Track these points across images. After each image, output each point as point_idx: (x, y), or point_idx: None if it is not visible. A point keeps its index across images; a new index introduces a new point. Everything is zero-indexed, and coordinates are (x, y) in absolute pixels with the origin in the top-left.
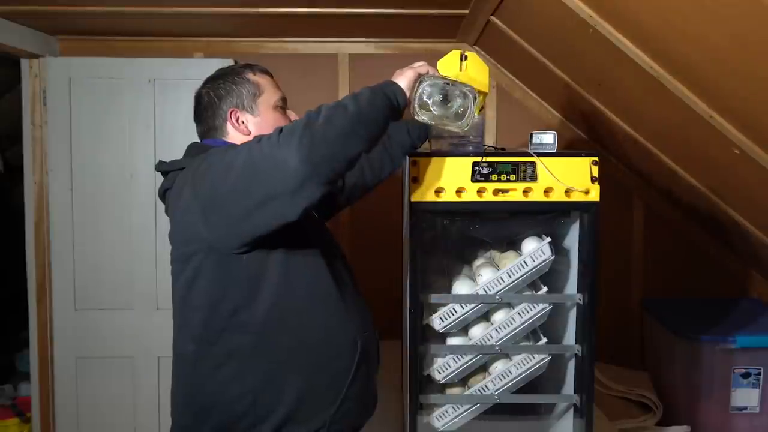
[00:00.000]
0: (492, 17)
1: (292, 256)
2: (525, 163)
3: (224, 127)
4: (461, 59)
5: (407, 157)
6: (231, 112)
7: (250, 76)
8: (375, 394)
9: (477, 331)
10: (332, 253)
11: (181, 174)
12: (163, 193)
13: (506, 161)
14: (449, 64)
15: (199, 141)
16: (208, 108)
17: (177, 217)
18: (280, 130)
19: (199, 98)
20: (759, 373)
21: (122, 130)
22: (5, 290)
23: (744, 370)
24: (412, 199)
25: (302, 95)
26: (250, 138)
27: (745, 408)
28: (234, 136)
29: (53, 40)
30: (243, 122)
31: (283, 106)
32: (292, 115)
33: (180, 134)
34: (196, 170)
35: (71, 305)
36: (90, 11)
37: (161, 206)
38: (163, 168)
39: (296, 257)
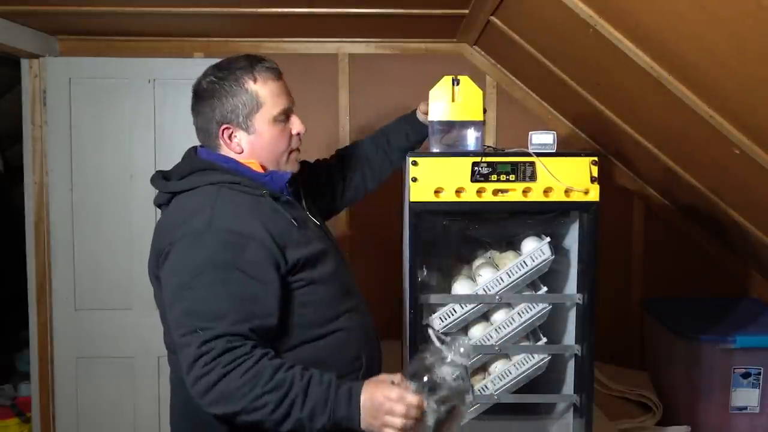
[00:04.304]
0: (492, 17)
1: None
2: (524, 163)
3: (217, 140)
4: (453, 85)
5: (407, 157)
6: (223, 130)
7: (250, 85)
8: None
9: (477, 331)
10: (339, 265)
11: (173, 215)
12: (159, 205)
13: (506, 161)
14: (442, 92)
15: (196, 147)
16: (202, 109)
17: (154, 259)
18: (198, 354)
19: (196, 92)
20: (759, 373)
21: (122, 130)
22: (5, 290)
23: (744, 370)
24: (412, 199)
25: (302, 95)
26: (242, 156)
27: (745, 408)
28: (226, 150)
29: (53, 40)
30: (236, 139)
31: (284, 118)
32: (295, 124)
33: (180, 134)
34: (172, 260)
35: (71, 305)
36: (90, 11)
37: None
38: (160, 201)
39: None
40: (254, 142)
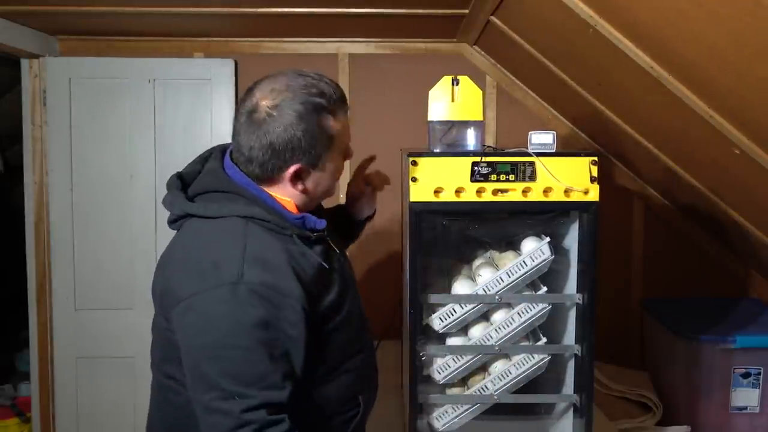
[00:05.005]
0: (492, 17)
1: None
2: (524, 163)
3: (277, 178)
4: (453, 85)
5: (408, 156)
6: (295, 172)
7: (330, 122)
8: None
9: (477, 331)
10: (354, 299)
11: (193, 251)
12: (171, 222)
13: (505, 161)
14: (442, 92)
15: (223, 153)
16: (263, 139)
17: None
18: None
19: (258, 119)
20: (759, 373)
21: (122, 130)
22: (5, 290)
23: (744, 370)
24: (412, 199)
25: None
26: (295, 197)
27: (745, 408)
28: (280, 191)
29: (53, 40)
30: (302, 181)
31: (346, 151)
32: (350, 152)
33: (180, 134)
34: (181, 314)
35: (71, 305)
36: (90, 11)
37: (161, 207)
38: (173, 211)
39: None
40: (318, 180)
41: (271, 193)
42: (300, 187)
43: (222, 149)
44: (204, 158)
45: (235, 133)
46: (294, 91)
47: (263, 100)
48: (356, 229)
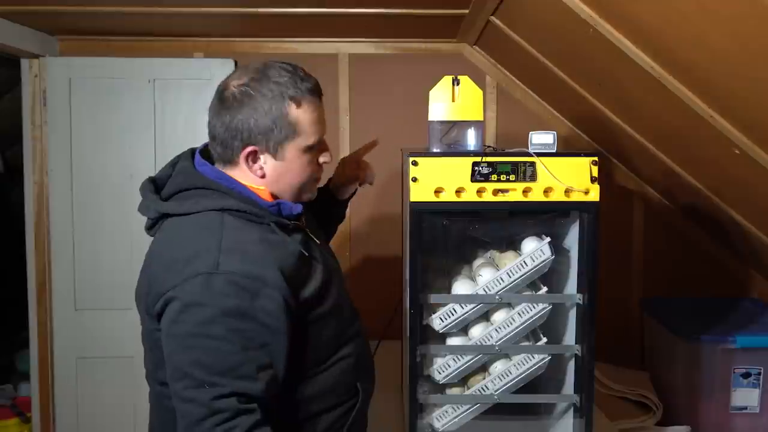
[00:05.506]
0: (492, 17)
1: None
2: (525, 163)
3: (235, 158)
4: (453, 85)
5: (408, 157)
6: (249, 154)
7: (292, 111)
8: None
9: (477, 331)
10: (339, 289)
11: (172, 248)
12: (149, 228)
13: (506, 161)
14: (442, 92)
15: (193, 152)
16: (226, 118)
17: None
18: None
19: (222, 96)
20: (759, 373)
21: (122, 130)
22: (5, 290)
23: (744, 370)
24: (412, 199)
25: None
26: (262, 183)
27: (745, 408)
28: (242, 175)
29: (53, 40)
30: (260, 163)
31: (316, 147)
32: (325, 153)
33: (180, 134)
34: (171, 322)
35: (71, 305)
36: (90, 11)
37: None
38: (149, 216)
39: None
40: (278, 169)
41: (243, 182)
42: (259, 172)
43: (192, 150)
44: (174, 162)
45: (209, 115)
46: (265, 75)
47: (233, 81)
48: (341, 209)
